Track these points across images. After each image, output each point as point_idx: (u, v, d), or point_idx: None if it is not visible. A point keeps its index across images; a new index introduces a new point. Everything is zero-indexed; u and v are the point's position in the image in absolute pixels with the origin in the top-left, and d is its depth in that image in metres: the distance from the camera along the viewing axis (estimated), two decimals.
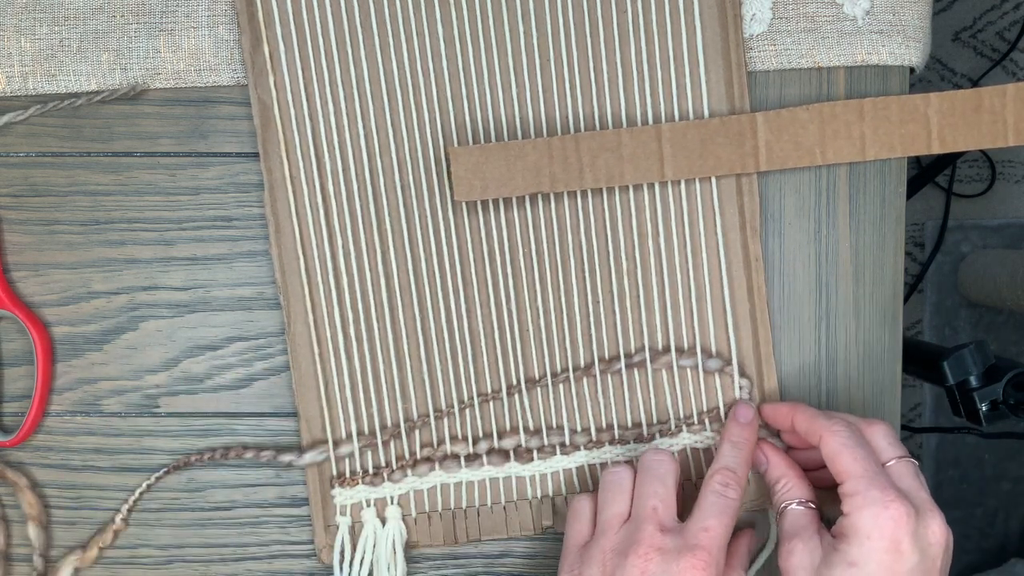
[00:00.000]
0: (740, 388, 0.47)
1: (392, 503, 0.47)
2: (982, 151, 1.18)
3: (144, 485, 0.48)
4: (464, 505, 0.48)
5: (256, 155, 0.47)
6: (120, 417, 0.48)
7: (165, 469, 0.48)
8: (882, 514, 0.38)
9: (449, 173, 0.46)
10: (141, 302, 0.48)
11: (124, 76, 0.47)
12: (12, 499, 0.48)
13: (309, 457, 0.47)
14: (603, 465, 0.48)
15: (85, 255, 0.48)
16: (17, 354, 0.48)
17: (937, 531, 0.39)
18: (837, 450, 0.40)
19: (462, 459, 0.47)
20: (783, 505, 0.43)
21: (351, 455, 0.47)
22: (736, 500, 0.41)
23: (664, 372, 0.47)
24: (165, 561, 0.48)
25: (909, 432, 1.19)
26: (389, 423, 0.47)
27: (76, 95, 0.47)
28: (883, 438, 0.42)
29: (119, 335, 0.48)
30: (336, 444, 0.47)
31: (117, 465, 0.48)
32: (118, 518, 0.47)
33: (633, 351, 0.47)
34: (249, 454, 0.47)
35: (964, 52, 1.19)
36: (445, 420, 0.47)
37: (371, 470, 0.47)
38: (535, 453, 0.47)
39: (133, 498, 0.48)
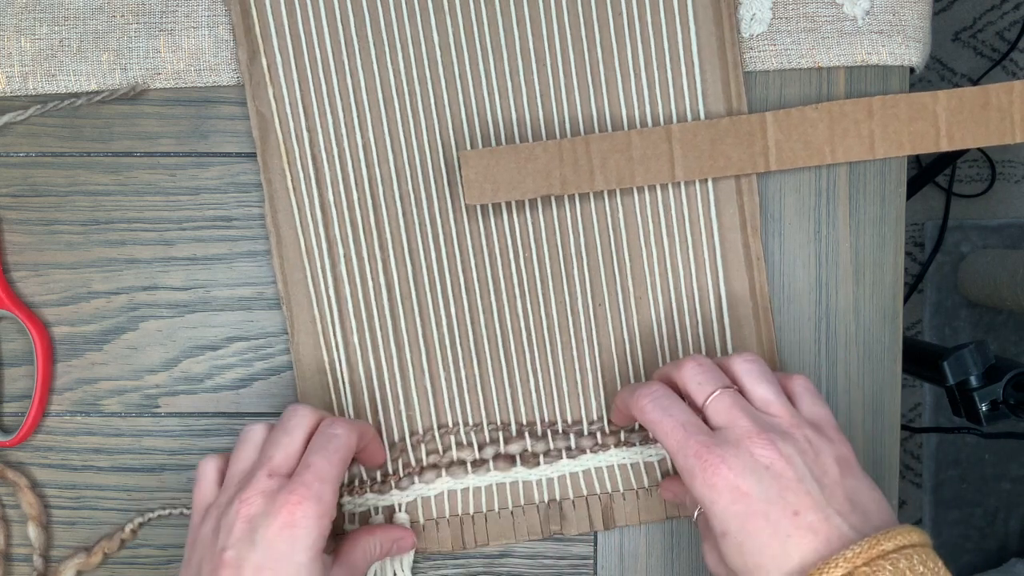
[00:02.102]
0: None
1: (400, 510, 0.47)
2: (982, 151, 1.18)
3: (165, 512, 0.47)
4: (471, 511, 0.48)
5: (256, 155, 0.47)
6: (120, 417, 0.48)
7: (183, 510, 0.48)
8: (707, 477, 0.36)
9: (460, 176, 0.46)
10: (141, 302, 0.48)
11: (124, 76, 0.47)
12: (12, 499, 0.48)
13: None
14: (610, 468, 0.48)
15: (85, 255, 0.48)
16: (17, 354, 0.48)
17: (763, 452, 0.36)
18: (651, 429, 0.39)
19: (468, 465, 0.47)
20: (693, 520, 0.43)
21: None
22: (343, 436, 0.40)
23: None
24: (165, 561, 0.48)
25: (909, 432, 1.19)
26: (395, 432, 0.47)
27: (76, 95, 0.47)
28: (691, 380, 0.39)
29: (119, 335, 0.48)
30: None
31: (117, 465, 0.48)
32: (128, 528, 0.47)
33: (639, 353, 0.47)
34: None
35: (964, 52, 1.19)
36: (449, 427, 0.47)
37: (378, 478, 0.47)
38: (541, 458, 0.47)
39: (150, 516, 0.47)
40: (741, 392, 0.40)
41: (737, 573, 0.36)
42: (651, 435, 0.42)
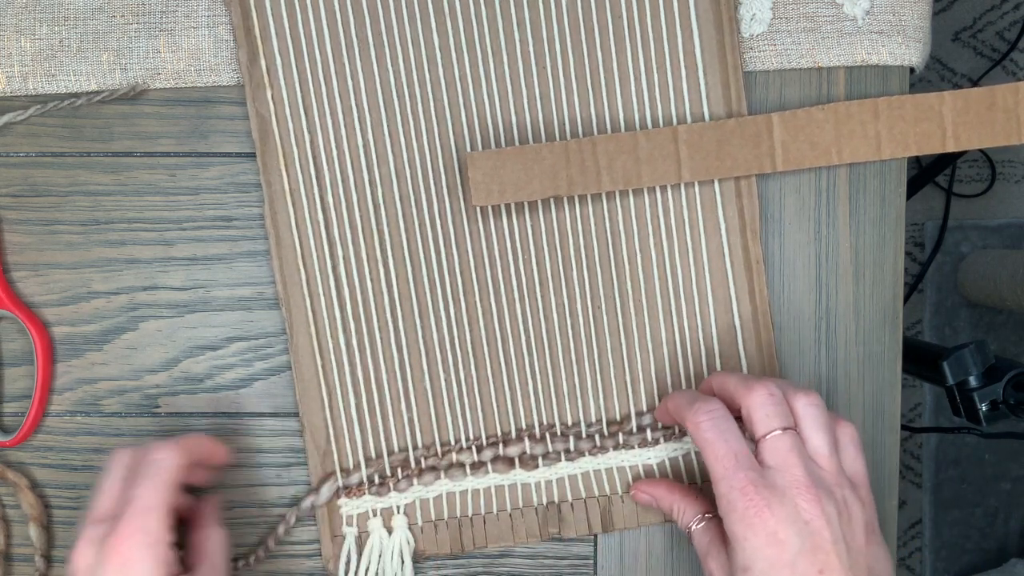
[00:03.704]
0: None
1: (398, 512, 0.47)
2: (982, 151, 1.18)
3: None
4: (470, 513, 0.48)
5: (256, 155, 0.47)
6: (120, 417, 0.48)
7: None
8: (747, 516, 0.37)
9: (465, 178, 0.46)
10: (141, 302, 0.48)
11: (124, 76, 0.47)
12: (12, 499, 0.48)
13: (326, 492, 0.47)
14: (608, 471, 0.48)
15: (85, 255, 0.48)
16: (17, 354, 0.48)
17: (807, 507, 0.37)
18: (700, 447, 0.39)
19: (467, 467, 0.47)
20: (686, 530, 0.43)
21: (357, 464, 0.47)
22: (164, 460, 0.40)
23: (668, 377, 0.47)
24: None
25: (909, 432, 1.19)
26: (395, 436, 0.47)
27: (76, 95, 0.47)
28: (759, 409, 0.39)
29: (119, 335, 0.48)
30: (340, 452, 0.47)
31: None
32: None
33: (637, 356, 0.47)
34: (281, 529, 0.47)
35: (964, 52, 1.19)
36: (449, 430, 0.47)
37: (377, 480, 0.47)
38: (540, 460, 0.47)
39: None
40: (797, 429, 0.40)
41: None
42: (697, 449, 0.43)
